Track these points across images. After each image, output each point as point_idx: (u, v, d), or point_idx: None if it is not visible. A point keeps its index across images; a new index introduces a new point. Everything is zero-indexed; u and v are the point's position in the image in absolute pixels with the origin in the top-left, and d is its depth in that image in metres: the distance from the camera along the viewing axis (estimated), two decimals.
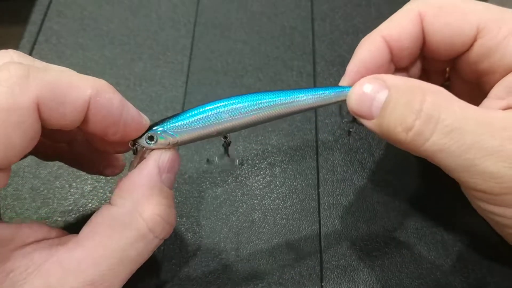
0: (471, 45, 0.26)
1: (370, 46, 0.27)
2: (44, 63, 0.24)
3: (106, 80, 0.23)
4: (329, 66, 0.40)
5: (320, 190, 0.33)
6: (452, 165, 0.23)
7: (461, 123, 0.22)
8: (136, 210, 0.23)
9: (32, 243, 0.22)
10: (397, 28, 0.27)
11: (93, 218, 0.24)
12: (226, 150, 0.28)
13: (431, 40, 0.27)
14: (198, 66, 0.40)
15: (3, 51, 0.23)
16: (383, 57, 0.27)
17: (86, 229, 0.23)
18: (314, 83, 0.39)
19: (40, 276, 0.21)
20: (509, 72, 0.26)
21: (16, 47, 0.41)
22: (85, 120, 0.22)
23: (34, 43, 0.41)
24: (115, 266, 0.22)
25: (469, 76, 0.29)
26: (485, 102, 0.26)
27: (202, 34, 0.42)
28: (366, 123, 0.25)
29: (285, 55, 0.41)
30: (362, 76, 0.26)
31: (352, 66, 0.27)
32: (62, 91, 0.21)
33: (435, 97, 0.23)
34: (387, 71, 0.28)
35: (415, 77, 0.30)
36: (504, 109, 0.25)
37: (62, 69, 0.24)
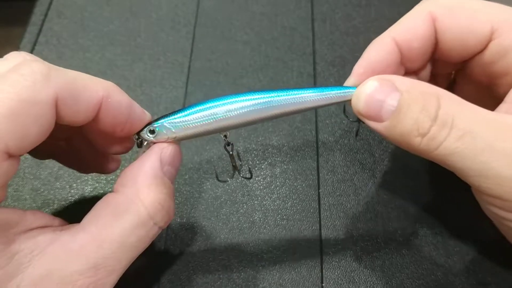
0: (486, 46, 0.26)
1: (379, 47, 0.27)
2: (54, 65, 0.24)
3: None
4: (329, 66, 0.40)
5: (320, 190, 0.33)
6: (465, 168, 0.23)
7: (473, 126, 0.22)
8: (137, 196, 0.24)
9: (36, 228, 0.23)
10: (408, 30, 0.27)
11: (96, 205, 0.24)
12: (231, 159, 0.28)
13: (444, 41, 0.27)
14: (198, 66, 0.40)
15: (16, 52, 0.24)
16: (392, 58, 0.27)
17: (89, 215, 0.24)
18: (315, 84, 0.39)
19: (44, 259, 0.22)
20: None
21: (16, 47, 0.41)
22: (95, 119, 0.24)
23: (35, 44, 0.41)
24: (117, 250, 0.23)
25: (481, 79, 0.28)
26: (502, 107, 0.26)
27: (203, 34, 0.42)
28: (374, 125, 0.25)
29: (285, 56, 0.41)
30: (368, 77, 0.26)
31: (358, 67, 0.27)
32: (78, 90, 0.23)
33: (449, 102, 0.23)
34: (395, 73, 0.28)
35: (425, 81, 0.30)
36: None
37: (72, 70, 0.25)
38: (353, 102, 0.26)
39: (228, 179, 0.31)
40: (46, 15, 0.43)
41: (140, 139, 0.26)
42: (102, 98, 0.23)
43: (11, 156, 0.21)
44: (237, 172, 0.29)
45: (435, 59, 0.29)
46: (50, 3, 0.44)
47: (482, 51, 0.26)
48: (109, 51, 0.41)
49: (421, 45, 0.27)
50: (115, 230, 0.23)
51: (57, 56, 0.41)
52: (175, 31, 0.42)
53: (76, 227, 0.23)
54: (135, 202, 0.24)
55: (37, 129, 0.21)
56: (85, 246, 0.22)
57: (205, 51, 0.41)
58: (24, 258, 0.22)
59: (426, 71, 0.30)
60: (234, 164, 0.29)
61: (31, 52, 0.41)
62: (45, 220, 0.24)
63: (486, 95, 0.28)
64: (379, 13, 0.43)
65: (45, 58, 0.40)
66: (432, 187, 0.33)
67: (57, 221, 0.25)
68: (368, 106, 0.25)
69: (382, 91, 0.24)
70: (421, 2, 0.27)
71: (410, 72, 0.29)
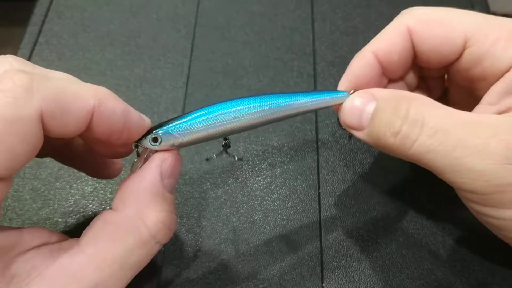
0: (461, 54, 0.27)
1: (361, 61, 0.29)
2: (43, 69, 0.23)
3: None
4: (329, 66, 0.40)
5: (320, 190, 0.33)
6: (440, 165, 0.24)
7: (446, 124, 0.24)
8: (138, 216, 0.23)
9: (33, 248, 0.22)
10: (386, 43, 0.29)
11: (94, 222, 0.23)
12: (224, 147, 0.29)
13: (421, 52, 0.28)
14: (199, 67, 0.40)
15: (2, 57, 0.22)
16: (374, 71, 0.29)
17: (88, 234, 0.23)
18: (315, 84, 0.39)
19: (43, 281, 0.21)
20: (499, 77, 0.26)
21: (16, 48, 0.41)
22: (88, 129, 0.23)
23: (35, 44, 0.41)
24: (116, 271, 0.22)
25: (463, 82, 0.29)
26: (477, 108, 0.27)
27: (203, 35, 0.42)
28: (358, 134, 0.27)
29: (286, 56, 0.41)
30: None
31: (344, 81, 0.29)
32: (66, 102, 0.21)
33: (420, 103, 0.25)
34: (378, 84, 0.30)
35: (411, 86, 0.32)
36: (495, 114, 0.26)
37: (63, 76, 0.24)
38: (340, 117, 0.28)
39: (214, 155, 0.32)
40: (46, 15, 0.43)
41: (140, 148, 0.25)
42: (93, 107, 0.22)
43: (1, 179, 0.20)
44: (226, 152, 0.30)
45: (420, 66, 0.31)
46: (50, 3, 0.44)
47: (458, 58, 0.28)
48: (109, 51, 0.41)
49: (399, 57, 0.29)
50: (116, 251, 0.22)
51: (57, 57, 0.41)
52: (175, 31, 0.42)
53: (74, 248, 0.23)
54: (137, 222, 0.23)
55: (24, 148, 0.20)
56: (84, 268, 0.22)
57: (205, 51, 0.41)
58: (22, 282, 0.21)
59: (411, 77, 0.31)
60: (226, 150, 0.30)
61: (31, 52, 0.41)
62: (42, 237, 0.23)
63: (474, 98, 0.29)
64: (379, 13, 0.43)
65: (45, 58, 0.40)
66: (432, 187, 0.33)
67: (54, 236, 0.24)
68: (350, 117, 0.27)
69: (362, 102, 0.27)
70: (398, 15, 0.29)
71: (394, 80, 0.31)
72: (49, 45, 0.41)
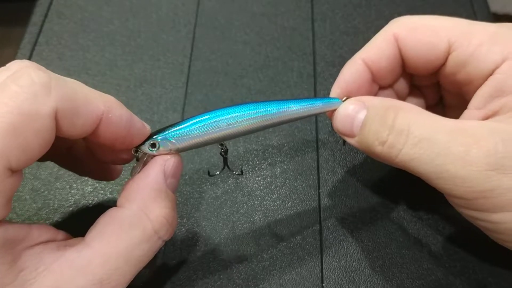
0: (446, 59, 0.28)
1: (351, 69, 0.30)
2: (56, 74, 0.24)
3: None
4: (329, 66, 0.40)
5: (320, 190, 0.33)
6: (425, 172, 0.25)
7: (430, 133, 0.24)
8: (143, 212, 0.24)
9: (40, 243, 0.23)
10: (374, 50, 0.29)
11: (99, 219, 0.24)
12: (225, 160, 0.30)
13: (408, 58, 0.29)
14: (199, 67, 0.40)
15: (19, 61, 0.23)
16: (364, 78, 0.30)
17: (93, 230, 0.24)
18: (315, 84, 0.39)
19: (50, 275, 0.22)
20: (484, 81, 0.27)
21: (16, 48, 0.41)
22: (95, 133, 0.24)
23: (35, 44, 0.41)
24: (122, 265, 0.23)
25: (451, 88, 0.30)
26: (465, 113, 0.28)
27: (203, 35, 0.42)
28: (349, 140, 0.28)
29: (286, 56, 0.41)
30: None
31: (336, 88, 0.30)
32: (78, 104, 0.22)
33: (406, 113, 0.25)
34: (369, 91, 0.30)
35: (402, 93, 0.32)
36: (482, 119, 0.26)
37: (74, 81, 0.24)
38: (333, 123, 0.28)
39: (217, 172, 0.33)
40: (46, 15, 0.43)
41: (139, 153, 0.26)
42: (103, 113, 0.23)
43: (14, 171, 0.21)
44: (227, 167, 0.31)
45: (410, 73, 0.31)
46: (50, 3, 0.44)
47: (444, 64, 0.28)
48: (109, 51, 0.41)
49: (388, 63, 0.29)
50: (121, 246, 0.23)
51: (57, 57, 0.41)
52: (175, 31, 0.42)
53: (81, 243, 0.23)
54: (141, 217, 0.24)
55: (38, 143, 0.21)
56: (91, 262, 0.22)
57: (205, 51, 0.41)
58: (29, 275, 0.22)
59: (401, 84, 0.32)
60: (227, 164, 0.31)
61: (31, 52, 0.41)
62: (49, 234, 0.24)
63: (467, 103, 0.29)
64: (379, 13, 0.43)
65: (45, 58, 0.40)
66: (432, 188, 0.33)
67: (60, 234, 0.25)
68: (343, 124, 0.28)
69: (353, 110, 0.27)
70: (387, 24, 0.30)
71: (385, 87, 0.31)
72: (49, 45, 0.41)
